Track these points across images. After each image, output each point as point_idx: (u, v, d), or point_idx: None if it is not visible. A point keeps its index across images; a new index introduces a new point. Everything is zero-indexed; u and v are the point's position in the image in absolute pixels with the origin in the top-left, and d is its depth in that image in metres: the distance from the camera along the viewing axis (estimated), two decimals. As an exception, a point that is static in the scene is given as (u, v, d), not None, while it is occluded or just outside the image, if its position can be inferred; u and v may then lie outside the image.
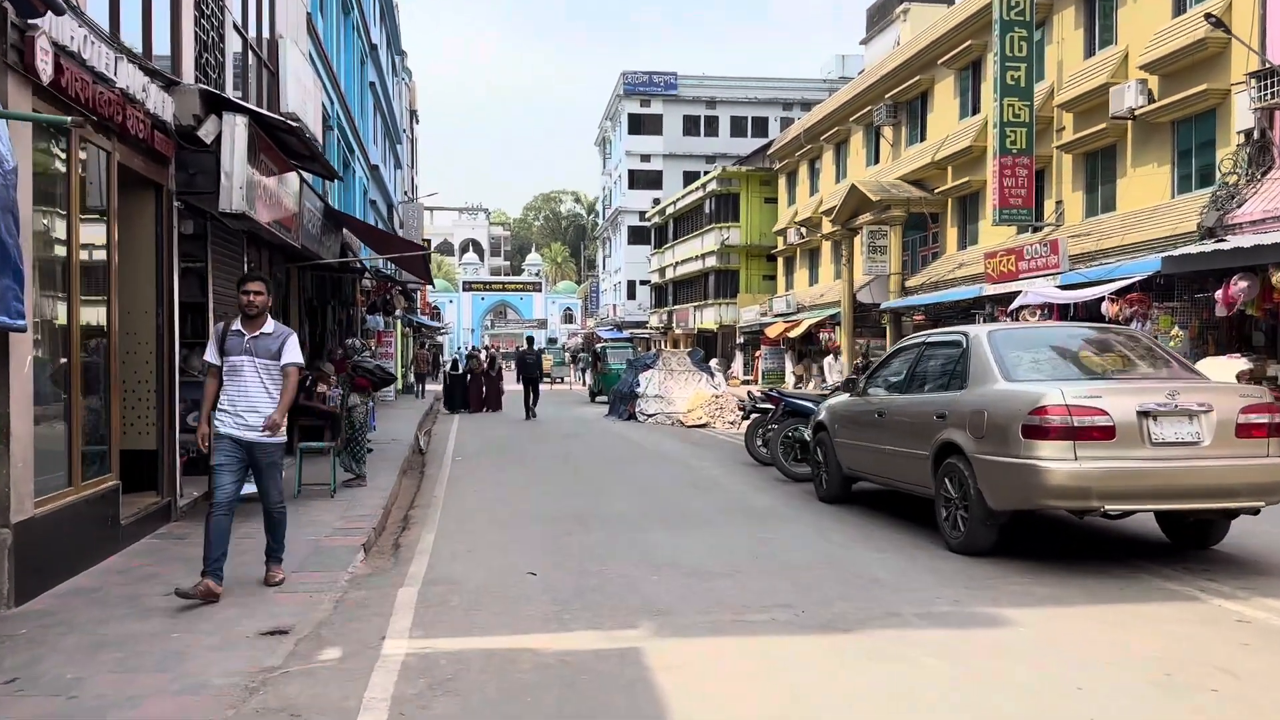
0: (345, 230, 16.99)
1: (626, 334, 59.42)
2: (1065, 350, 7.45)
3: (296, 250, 12.74)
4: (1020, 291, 20.05)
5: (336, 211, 14.19)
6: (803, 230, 37.50)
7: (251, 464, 6.30)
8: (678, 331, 51.80)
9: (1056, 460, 6.34)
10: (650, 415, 21.53)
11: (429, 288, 47.36)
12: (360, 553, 7.50)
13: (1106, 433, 6.33)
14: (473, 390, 25.67)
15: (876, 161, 32.09)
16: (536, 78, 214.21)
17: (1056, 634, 5.25)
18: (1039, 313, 20.36)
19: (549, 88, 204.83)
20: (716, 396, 21.17)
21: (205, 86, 8.98)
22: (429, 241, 37.57)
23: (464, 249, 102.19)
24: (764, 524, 8.75)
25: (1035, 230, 23.11)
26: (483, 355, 29.07)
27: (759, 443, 12.90)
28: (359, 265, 16.81)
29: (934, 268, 27.47)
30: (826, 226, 34.51)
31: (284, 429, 6.37)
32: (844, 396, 9.66)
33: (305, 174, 12.24)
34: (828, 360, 30.26)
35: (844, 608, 5.72)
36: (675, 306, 52.81)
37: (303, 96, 13.41)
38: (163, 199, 8.59)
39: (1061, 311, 19.39)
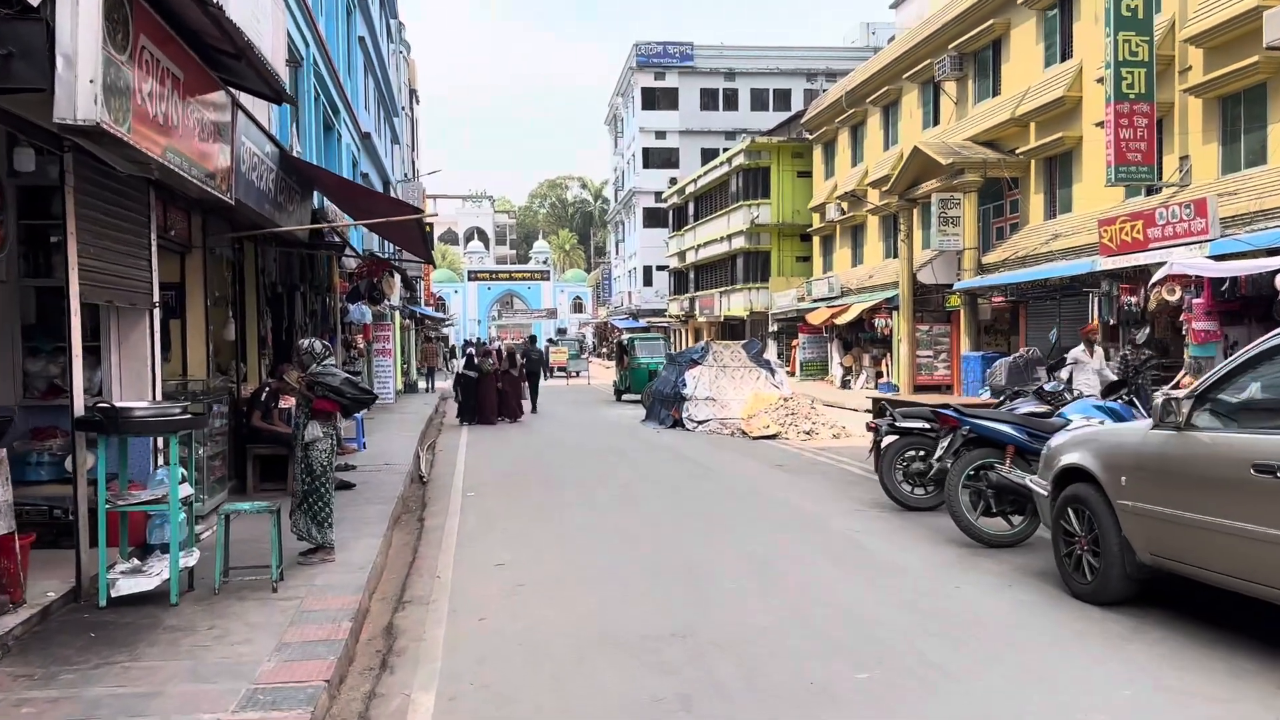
0: (323, 197, 13.19)
1: (644, 323, 55.61)
2: None
3: (236, 212, 8.94)
4: (1159, 264, 16.12)
5: (298, 161, 10.33)
6: (843, 205, 33.60)
7: None
8: (701, 319, 47.77)
9: None
10: (701, 422, 17.59)
11: (432, 276, 43.70)
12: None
13: None
14: (485, 395, 20.20)
15: (936, 123, 28.16)
16: (539, 59, 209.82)
17: None
18: (1179, 291, 16.59)
19: (553, 70, 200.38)
20: (785, 400, 17.16)
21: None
22: (431, 226, 33.93)
23: (469, 238, 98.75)
24: (1047, 675, 4.84)
25: (1152, 192, 19.24)
26: (502, 350, 21.88)
27: (900, 478, 9.05)
28: (335, 238, 12.90)
29: (1016, 241, 23.55)
30: (874, 199, 30.68)
31: None
32: (1139, 427, 5.71)
33: (241, 95, 8.39)
34: (1076, 352, 13.08)
35: None
36: (698, 293, 48.73)
37: (254, 11, 9.73)
38: (-53, 100, 4.86)
39: (1214, 286, 15.63)
